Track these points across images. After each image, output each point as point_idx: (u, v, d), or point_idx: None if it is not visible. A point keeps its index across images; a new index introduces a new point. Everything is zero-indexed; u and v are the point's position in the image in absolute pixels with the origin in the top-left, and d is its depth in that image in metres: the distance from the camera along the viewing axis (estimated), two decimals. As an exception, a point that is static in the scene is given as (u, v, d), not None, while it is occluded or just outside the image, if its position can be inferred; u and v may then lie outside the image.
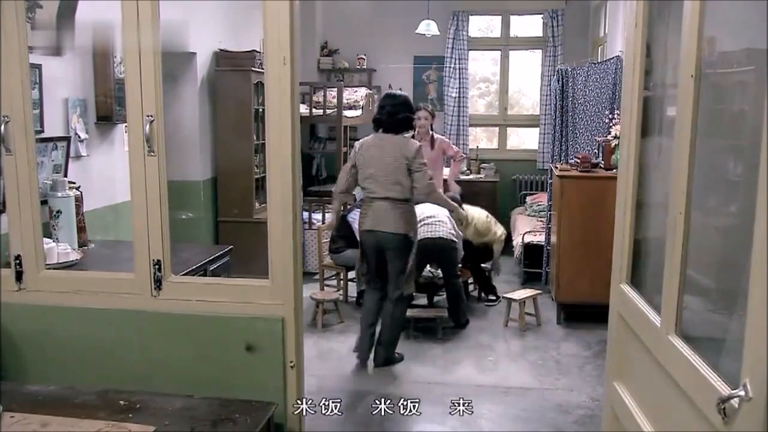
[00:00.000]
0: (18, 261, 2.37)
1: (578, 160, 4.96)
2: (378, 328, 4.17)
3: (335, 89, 6.46)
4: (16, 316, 2.37)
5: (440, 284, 5.02)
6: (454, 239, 4.78)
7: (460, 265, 5.26)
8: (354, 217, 5.35)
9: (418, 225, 4.33)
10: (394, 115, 4.03)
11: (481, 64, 8.64)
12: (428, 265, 4.94)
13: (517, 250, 6.04)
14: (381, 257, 4.05)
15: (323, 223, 5.94)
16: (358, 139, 4.31)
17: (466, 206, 5.28)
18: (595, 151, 5.27)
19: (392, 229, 3.94)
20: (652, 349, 1.77)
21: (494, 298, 5.45)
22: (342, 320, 4.97)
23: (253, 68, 5.48)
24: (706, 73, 1.60)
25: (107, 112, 4.06)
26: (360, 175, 4.05)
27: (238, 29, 5.89)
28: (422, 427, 3.45)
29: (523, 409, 3.59)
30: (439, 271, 4.96)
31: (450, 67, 7.96)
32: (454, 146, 5.87)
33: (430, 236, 4.62)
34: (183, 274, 2.92)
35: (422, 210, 4.62)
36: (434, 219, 4.75)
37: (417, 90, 8.20)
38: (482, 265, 5.51)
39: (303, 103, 6.39)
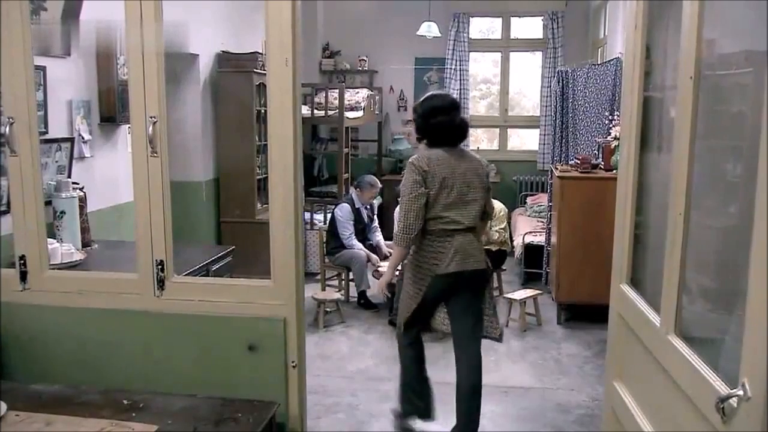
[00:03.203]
0: (22, 261, 2.39)
1: (578, 161, 4.98)
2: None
3: (337, 90, 6.48)
4: (20, 316, 2.39)
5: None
6: None
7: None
8: (341, 214, 5.36)
9: None
10: (456, 122, 3.11)
11: (482, 66, 8.66)
12: None
13: (518, 250, 6.05)
14: (440, 302, 3.23)
15: (324, 223, 5.94)
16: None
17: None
18: (595, 152, 5.28)
19: (481, 265, 3.11)
20: (652, 348, 1.78)
21: None
22: (343, 320, 4.98)
23: (255, 69, 5.50)
24: (705, 75, 1.61)
25: (111, 114, 4.08)
26: (437, 205, 3.01)
27: (240, 31, 5.90)
28: (423, 426, 3.46)
29: (523, 408, 3.60)
30: None
31: (451, 68, 7.98)
32: None
33: None
34: (185, 275, 2.94)
35: None
36: None
37: (418, 91, 8.21)
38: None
39: (305, 104, 6.41)
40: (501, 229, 5.46)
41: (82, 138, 3.87)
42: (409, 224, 3.01)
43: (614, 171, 4.46)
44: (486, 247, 5.36)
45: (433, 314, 3.39)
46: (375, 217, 5.78)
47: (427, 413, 3.33)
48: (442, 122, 3.07)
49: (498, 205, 5.59)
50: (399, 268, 3.41)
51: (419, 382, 3.33)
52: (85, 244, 3.61)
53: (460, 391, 3.14)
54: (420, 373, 3.33)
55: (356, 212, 5.46)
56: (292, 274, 2.21)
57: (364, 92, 7.25)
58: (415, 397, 3.31)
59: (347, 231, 5.34)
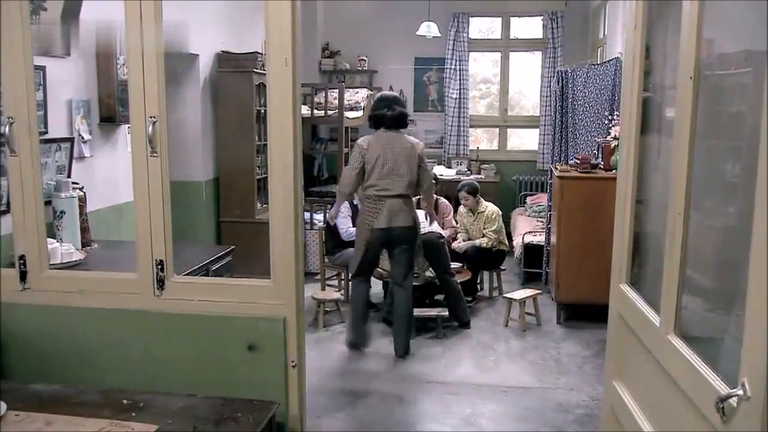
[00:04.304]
0: (22, 261, 2.39)
1: (578, 161, 4.98)
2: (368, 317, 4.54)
3: (336, 90, 6.48)
4: (20, 316, 2.39)
5: (439, 285, 5.03)
6: (441, 233, 4.93)
7: (460, 265, 5.27)
8: (344, 225, 5.34)
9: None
10: (394, 112, 4.24)
11: (482, 66, 8.67)
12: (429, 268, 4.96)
13: (518, 250, 6.05)
14: (379, 252, 4.34)
15: (324, 224, 5.95)
16: (358, 140, 4.32)
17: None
18: (595, 152, 5.28)
19: (407, 223, 4.21)
20: (652, 348, 1.79)
21: (470, 299, 5.43)
22: (343, 320, 4.98)
23: (255, 69, 5.50)
24: (705, 75, 1.61)
25: (110, 113, 4.07)
26: (373, 175, 4.15)
27: (240, 31, 5.90)
28: (423, 426, 3.46)
29: (523, 408, 3.61)
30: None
31: (450, 68, 7.98)
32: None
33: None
34: (185, 274, 2.94)
35: None
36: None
37: (418, 91, 8.22)
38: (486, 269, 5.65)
39: (304, 104, 6.41)
40: (492, 231, 5.43)
41: (82, 138, 3.87)
42: (344, 183, 4.28)
43: (614, 171, 4.46)
44: (484, 247, 5.38)
45: (376, 264, 4.52)
46: None
47: (363, 343, 4.41)
48: (384, 111, 4.23)
49: (491, 207, 5.56)
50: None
51: (362, 317, 4.37)
52: (85, 243, 3.61)
53: (396, 315, 4.33)
54: (364, 309, 4.39)
55: (354, 208, 5.46)
56: (292, 274, 2.21)
57: (363, 92, 7.25)
58: (358, 329, 4.37)
59: (344, 225, 5.32)
